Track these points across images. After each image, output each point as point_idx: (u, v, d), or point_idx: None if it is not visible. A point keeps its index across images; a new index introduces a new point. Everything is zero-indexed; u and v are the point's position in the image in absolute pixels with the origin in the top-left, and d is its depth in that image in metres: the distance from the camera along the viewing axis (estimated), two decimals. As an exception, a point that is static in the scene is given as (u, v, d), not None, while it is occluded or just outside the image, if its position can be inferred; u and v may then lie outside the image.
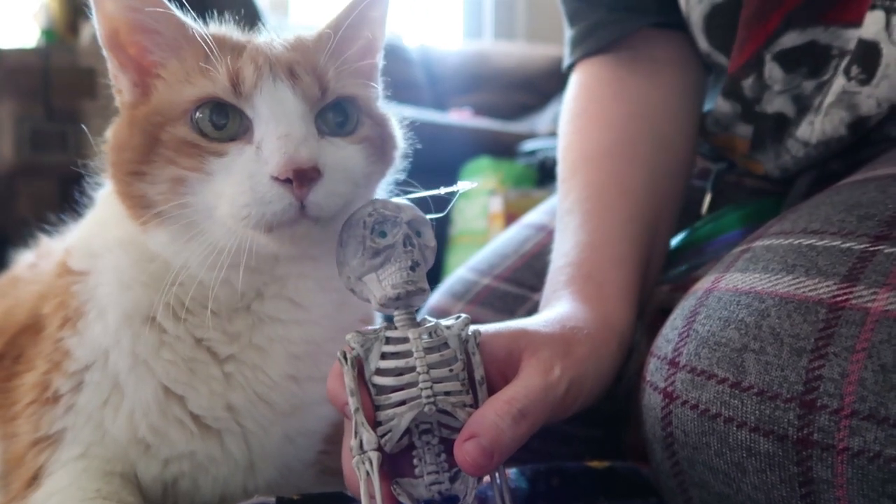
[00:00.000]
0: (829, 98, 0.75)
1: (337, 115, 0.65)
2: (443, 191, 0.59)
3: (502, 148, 2.60)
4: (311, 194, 0.59)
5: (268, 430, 0.69)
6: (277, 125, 0.60)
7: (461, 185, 0.59)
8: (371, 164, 0.67)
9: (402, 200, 0.59)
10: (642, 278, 0.77)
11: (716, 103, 0.87)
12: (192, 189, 0.61)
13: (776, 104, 0.82)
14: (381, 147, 0.68)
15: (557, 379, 0.59)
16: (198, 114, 0.62)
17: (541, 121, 3.10)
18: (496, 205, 2.22)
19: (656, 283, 0.82)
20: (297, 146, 0.59)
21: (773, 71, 0.80)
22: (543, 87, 3.26)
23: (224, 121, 0.62)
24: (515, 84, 3.47)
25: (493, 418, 0.53)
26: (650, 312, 0.79)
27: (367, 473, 0.52)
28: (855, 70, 0.71)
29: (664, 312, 0.66)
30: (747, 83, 0.82)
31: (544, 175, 2.42)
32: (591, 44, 0.94)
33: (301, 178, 0.58)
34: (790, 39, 0.77)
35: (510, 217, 2.12)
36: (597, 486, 0.72)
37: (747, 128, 0.86)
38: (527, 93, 3.41)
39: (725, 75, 0.84)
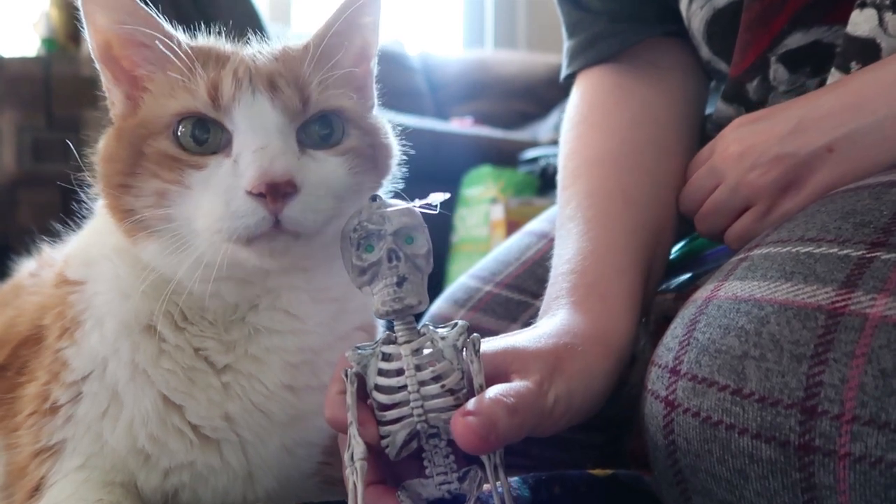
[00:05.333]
0: None
1: (322, 126, 0.65)
2: (418, 203, 0.58)
3: (503, 156, 2.60)
4: (287, 209, 0.59)
5: (265, 440, 0.69)
6: (254, 138, 0.60)
7: (433, 198, 0.58)
8: (356, 174, 0.66)
9: (392, 205, 0.57)
10: (644, 288, 0.77)
11: (716, 108, 0.87)
12: (174, 202, 0.62)
13: None
14: (371, 157, 0.68)
15: (546, 392, 0.59)
16: (180, 128, 0.62)
17: (542, 129, 3.10)
18: (497, 213, 2.22)
19: (657, 291, 0.82)
20: (272, 160, 0.59)
21: (778, 72, 0.80)
22: (544, 95, 3.26)
23: (205, 135, 0.62)
24: (516, 92, 3.47)
25: (489, 403, 0.53)
26: (655, 321, 0.79)
27: (355, 483, 0.53)
28: (855, 66, 0.72)
29: (669, 320, 0.66)
30: (752, 86, 0.82)
31: (546, 183, 2.42)
32: (592, 55, 0.94)
33: (274, 192, 0.58)
34: (795, 40, 0.78)
35: (512, 225, 2.12)
36: (599, 494, 0.72)
37: None
38: (528, 101, 3.42)
39: (727, 80, 0.84)
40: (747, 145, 0.74)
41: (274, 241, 0.61)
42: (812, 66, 0.78)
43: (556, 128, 2.87)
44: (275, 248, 0.61)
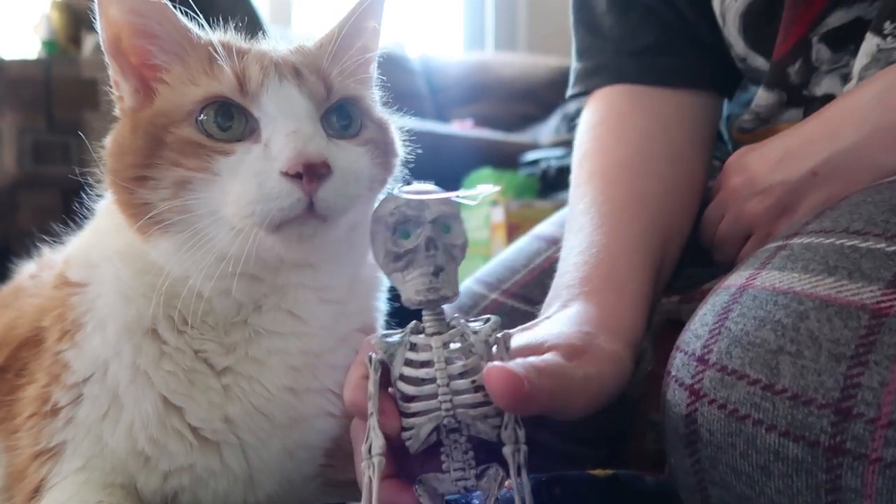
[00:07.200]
0: (863, 61, 0.74)
1: (341, 118, 0.66)
2: (461, 194, 0.57)
3: (504, 158, 2.60)
4: (321, 191, 0.60)
5: (266, 442, 0.69)
6: (286, 122, 0.61)
7: (481, 189, 0.57)
8: (375, 166, 0.68)
9: (430, 192, 0.55)
10: (653, 291, 0.76)
11: (757, 95, 0.86)
12: (196, 192, 0.62)
13: (824, 86, 0.81)
14: (384, 151, 0.69)
15: (574, 365, 0.58)
16: (202, 115, 0.63)
17: (543, 131, 3.10)
18: (498, 215, 2.22)
19: (660, 299, 0.82)
20: (307, 142, 0.60)
21: (820, 52, 0.79)
22: (545, 97, 3.26)
23: (229, 122, 0.63)
24: (517, 94, 3.47)
25: (521, 361, 0.52)
26: (657, 323, 0.79)
27: (370, 478, 0.52)
28: (890, 26, 0.70)
29: (672, 322, 0.66)
30: (793, 69, 0.81)
31: (546, 185, 2.42)
32: (596, 82, 0.95)
33: (311, 172, 0.59)
34: (836, 19, 0.77)
35: (512, 227, 2.12)
36: (599, 495, 0.72)
37: (796, 112, 0.84)
38: (528, 103, 3.42)
39: (769, 66, 0.84)
40: (745, 177, 0.76)
41: (304, 226, 0.61)
42: (855, 44, 0.76)
43: (557, 130, 2.88)
44: (304, 233, 0.62)
